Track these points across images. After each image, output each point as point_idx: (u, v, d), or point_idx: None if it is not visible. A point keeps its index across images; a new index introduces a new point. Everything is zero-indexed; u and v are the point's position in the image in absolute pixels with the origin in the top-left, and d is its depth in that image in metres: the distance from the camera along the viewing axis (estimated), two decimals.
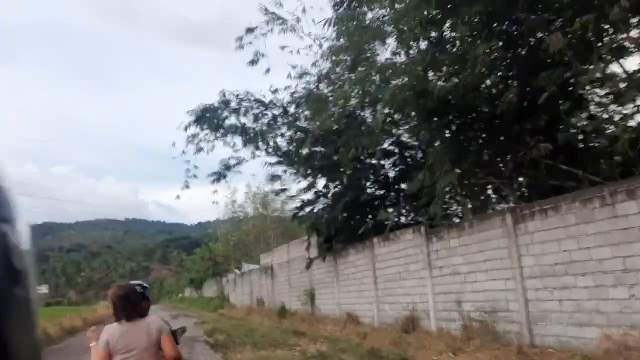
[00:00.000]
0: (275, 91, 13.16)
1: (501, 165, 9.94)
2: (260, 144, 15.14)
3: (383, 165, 14.90)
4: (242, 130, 14.82)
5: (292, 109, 13.65)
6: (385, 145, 14.19)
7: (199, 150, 15.13)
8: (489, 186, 10.57)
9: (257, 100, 13.22)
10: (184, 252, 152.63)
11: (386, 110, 10.05)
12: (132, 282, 3.53)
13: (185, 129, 13.53)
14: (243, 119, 14.23)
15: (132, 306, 3.14)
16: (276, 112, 13.55)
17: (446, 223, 10.18)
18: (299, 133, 14.32)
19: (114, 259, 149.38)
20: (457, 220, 11.20)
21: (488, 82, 9.25)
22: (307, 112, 13.23)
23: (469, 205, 11.17)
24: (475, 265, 8.88)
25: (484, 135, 9.86)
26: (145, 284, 3.59)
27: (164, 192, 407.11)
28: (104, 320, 27.00)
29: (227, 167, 15.45)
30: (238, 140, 15.16)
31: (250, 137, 14.96)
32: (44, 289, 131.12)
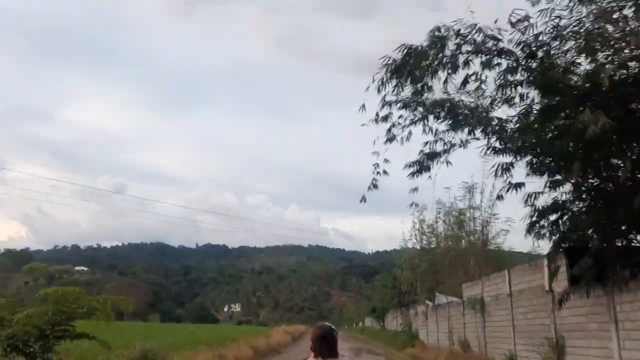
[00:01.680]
0: (516, 22, 8.40)
1: None
2: (476, 123, 10.46)
3: None
4: (450, 108, 10.36)
5: (540, 53, 8.73)
6: None
7: (391, 139, 11.06)
8: None
9: (490, 38, 8.61)
10: (362, 279, 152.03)
11: None
12: (326, 323, 3.92)
13: (378, 88, 9.47)
14: (455, 81, 9.72)
15: (328, 345, 3.56)
16: (517, 56, 8.76)
17: None
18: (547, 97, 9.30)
19: (298, 283, 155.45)
20: None
21: None
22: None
23: None
24: None
25: None
26: (333, 326, 3.78)
27: (342, 220, 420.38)
28: (279, 351, 24.43)
29: (431, 156, 11.03)
30: (442, 122, 10.74)
31: (464, 116, 10.41)
32: (237, 308, 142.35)
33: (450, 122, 10.84)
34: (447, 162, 11.35)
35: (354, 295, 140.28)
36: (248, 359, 15.03)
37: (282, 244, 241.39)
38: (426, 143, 10.89)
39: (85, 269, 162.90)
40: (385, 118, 10.83)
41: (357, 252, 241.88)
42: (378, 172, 11.14)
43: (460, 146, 11.31)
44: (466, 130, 10.93)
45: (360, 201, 11.72)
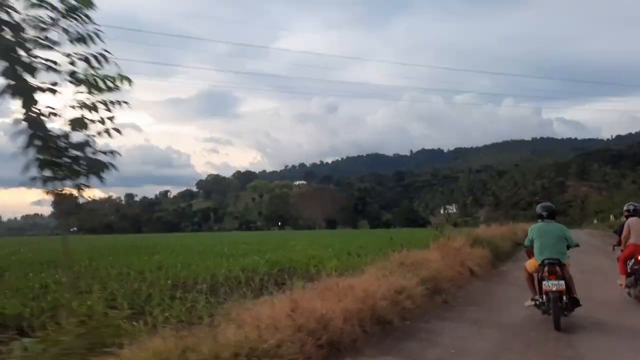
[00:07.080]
0: None
1: None
2: None
3: None
4: None
5: None
6: None
7: None
8: None
9: None
10: (605, 165, 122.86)
11: None
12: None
13: None
14: None
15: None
16: None
17: None
18: None
19: (522, 177, 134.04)
20: None
21: None
22: None
23: None
24: None
25: None
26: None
27: (567, 109, 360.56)
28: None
29: None
30: None
31: None
32: (453, 209, 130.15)
33: None
34: None
35: (597, 184, 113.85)
36: None
37: (501, 140, 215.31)
38: None
39: (304, 182, 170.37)
40: None
41: (592, 139, 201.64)
42: None
43: None
44: None
45: None
